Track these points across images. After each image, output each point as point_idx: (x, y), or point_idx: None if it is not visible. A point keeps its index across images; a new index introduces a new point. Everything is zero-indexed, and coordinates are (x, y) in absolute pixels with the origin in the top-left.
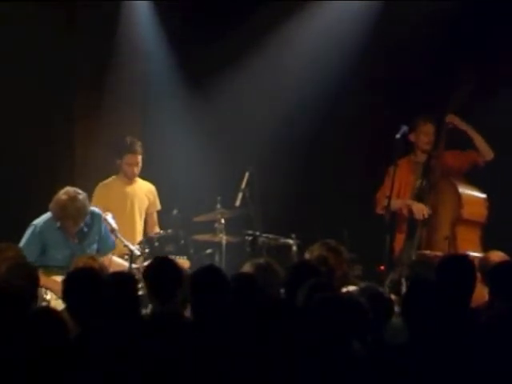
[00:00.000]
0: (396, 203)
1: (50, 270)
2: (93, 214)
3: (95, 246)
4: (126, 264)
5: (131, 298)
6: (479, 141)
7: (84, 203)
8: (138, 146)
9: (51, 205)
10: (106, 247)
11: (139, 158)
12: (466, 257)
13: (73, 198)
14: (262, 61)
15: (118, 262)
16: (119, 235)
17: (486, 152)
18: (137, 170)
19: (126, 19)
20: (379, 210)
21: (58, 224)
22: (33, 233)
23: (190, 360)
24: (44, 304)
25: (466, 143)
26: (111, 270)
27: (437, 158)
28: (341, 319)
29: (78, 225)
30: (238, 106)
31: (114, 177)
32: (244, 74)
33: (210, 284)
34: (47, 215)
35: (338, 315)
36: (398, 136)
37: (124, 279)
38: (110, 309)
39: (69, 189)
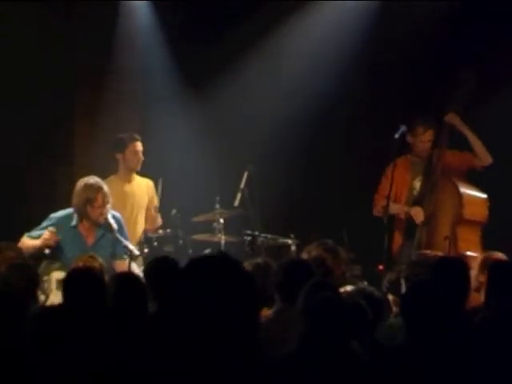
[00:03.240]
0: (394, 208)
1: (58, 266)
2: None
3: (109, 249)
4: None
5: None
6: (478, 145)
7: (106, 188)
8: (137, 135)
9: (75, 199)
10: (120, 248)
11: (141, 144)
12: (461, 259)
13: (98, 187)
14: (262, 61)
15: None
16: (118, 235)
17: (484, 157)
18: (142, 156)
19: (125, 19)
20: (376, 213)
21: (75, 222)
22: (48, 224)
23: (189, 360)
24: (42, 297)
25: (465, 144)
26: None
27: (438, 157)
28: (341, 320)
29: (107, 211)
30: (237, 105)
31: (112, 176)
32: (244, 74)
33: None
34: (66, 211)
35: (338, 315)
36: (396, 136)
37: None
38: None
39: (86, 179)
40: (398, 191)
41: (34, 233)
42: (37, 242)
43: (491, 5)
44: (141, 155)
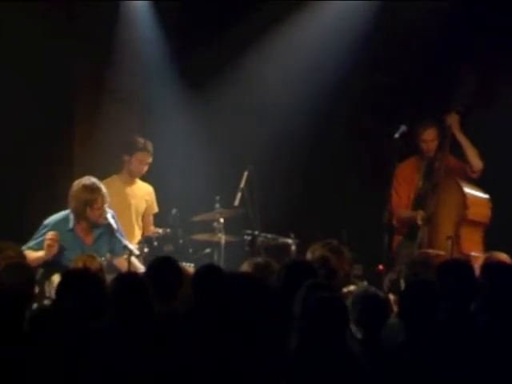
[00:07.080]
0: (405, 213)
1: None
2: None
3: (107, 247)
4: (139, 266)
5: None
6: (470, 151)
7: (104, 189)
8: (151, 147)
9: (73, 201)
10: (120, 247)
11: (150, 158)
12: (468, 261)
13: (97, 188)
14: (262, 61)
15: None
16: (118, 234)
17: (476, 163)
18: (145, 168)
19: (125, 19)
20: (395, 222)
21: (71, 225)
22: (45, 231)
23: (189, 358)
24: (46, 302)
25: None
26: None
27: (441, 159)
28: (339, 319)
29: (105, 212)
30: (237, 105)
31: (114, 176)
32: (244, 74)
33: (211, 283)
34: (60, 215)
35: (337, 315)
36: (396, 136)
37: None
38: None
39: (83, 181)
40: (408, 192)
41: (33, 243)
42: (41, 254)
43: (491, 4)
44: (145, 168)
